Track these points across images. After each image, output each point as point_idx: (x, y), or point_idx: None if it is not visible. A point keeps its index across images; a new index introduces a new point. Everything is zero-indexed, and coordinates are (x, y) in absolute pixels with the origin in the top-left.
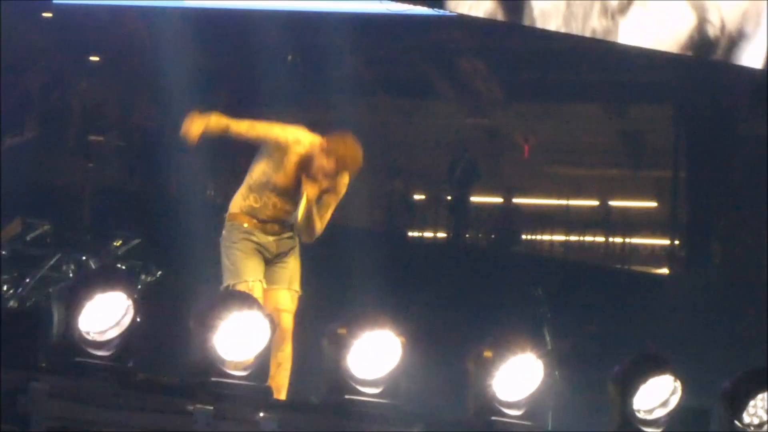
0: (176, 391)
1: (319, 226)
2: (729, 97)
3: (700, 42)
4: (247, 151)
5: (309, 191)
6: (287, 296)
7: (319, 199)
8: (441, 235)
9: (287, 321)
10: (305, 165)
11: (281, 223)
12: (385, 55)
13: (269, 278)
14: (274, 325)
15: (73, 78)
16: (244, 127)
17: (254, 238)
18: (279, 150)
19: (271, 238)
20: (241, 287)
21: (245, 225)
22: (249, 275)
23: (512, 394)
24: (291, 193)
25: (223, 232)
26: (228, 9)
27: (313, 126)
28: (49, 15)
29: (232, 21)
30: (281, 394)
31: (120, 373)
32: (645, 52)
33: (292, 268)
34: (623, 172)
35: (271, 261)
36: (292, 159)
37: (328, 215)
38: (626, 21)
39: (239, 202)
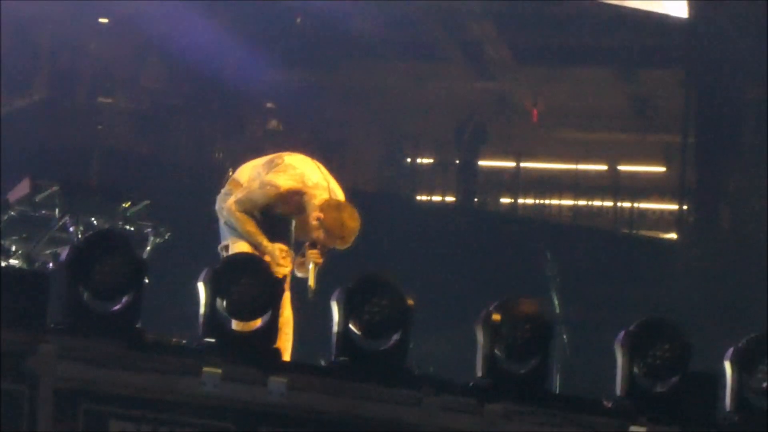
0: (184, 352)
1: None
2: (739, 62)
3: None
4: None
5: (315, 260)
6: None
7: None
8: (449, 198)
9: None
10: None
11: None
12: (393, 18)
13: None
14: (282, 287)
15: (82, 40)
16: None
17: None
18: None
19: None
20: (234, 247)
21: None
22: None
23: (520, 358)
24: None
25: (223, 191)
26: None
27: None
28: None
29: None
30: (284, 357)
31: (128, 334)
32: (655, 16)
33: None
34: (632, 136)
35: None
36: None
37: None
38: None
39: (245, 177)
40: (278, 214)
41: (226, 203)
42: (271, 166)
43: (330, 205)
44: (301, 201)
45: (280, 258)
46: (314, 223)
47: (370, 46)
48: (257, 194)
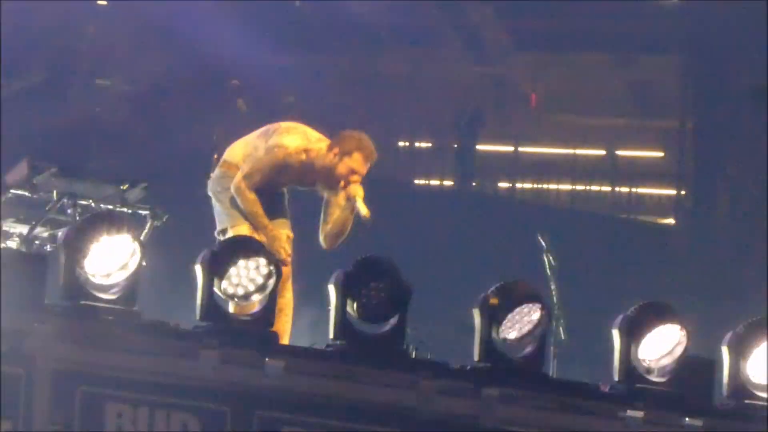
0: (182, 335)
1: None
2: (737, 47)
3: None
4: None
5: (356, 192)
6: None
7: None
8: (447, 183)
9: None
10: (304, 168)
11: None
12: (392, 2)
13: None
14: (281, 270)
15: (81, 22)
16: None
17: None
18: None
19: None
20: (233, 231)
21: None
22: (240, 220)
23: (517, 341)
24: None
25: (213, 175)
26: None
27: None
28: None
29: None
30: (284, 340)
31: (125, 316)
32: (653, 2)
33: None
34: (630, 121)
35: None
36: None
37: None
38: None
39: (239, 156)
40: (281, 185)
41: (234, 182)
42: (269, 134)
43: (341, 137)
44: (308, 159)
45: (285, 243)
46: (336, 159)
47: (368, 31)
48: (264, 161)
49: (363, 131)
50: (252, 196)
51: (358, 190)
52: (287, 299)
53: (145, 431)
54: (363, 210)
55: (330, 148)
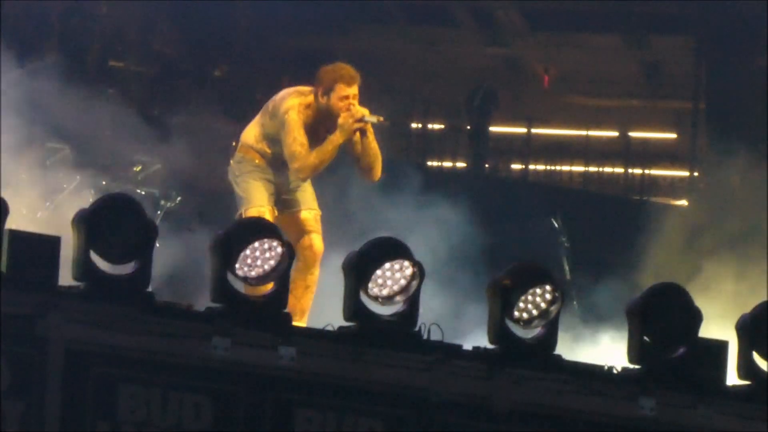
0: (195, 316)
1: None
2: (750, 29)
3: None
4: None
5: (360, 111)
6: (310, 216)
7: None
8: (460, 164)
9: (318, 243)
10: (316, 122)
11: None
12: None
13: (288, 204)
14: (293, 252)
15: (94, 3)
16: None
17: (265, 175)
18: None
19: (282, 178)
20: (251, 212)
21: (256, 161)
22: (258, 201)
23: (529, 323)
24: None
25: (233, 161)
26: None
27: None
28: None
29: None
30: (305, 317)
31: (139, 298)
32: None
33: (308, 191)
34: (643, 102)
35: (286, 192)
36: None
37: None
38: None
39: (251, 138)
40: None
41: (295, 165)
42: (267, 110)
43: (318, 77)
44: (312, 112)
45: (348, 116)
46: (326, 98)
47: (381, 11)
48: (289, 127)
49: (336, 61)
50: (311, 155)
51: (359, 110)
52: (315, 276)
53: (158, 413)
54: (372, 119)
55: (316, 93)
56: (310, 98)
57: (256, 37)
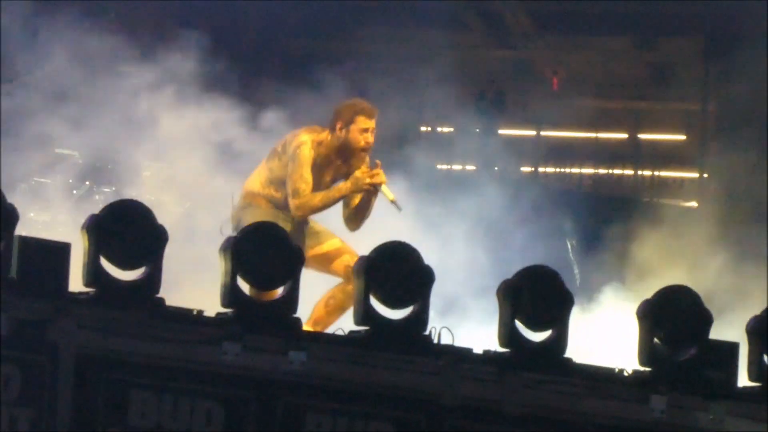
0: (205, 322)
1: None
2: (758, 30)
3: None
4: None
5: (380, 180)
6: (336, 240)
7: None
8: (469, 167)
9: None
10: (328, 159)
11: None
12: None
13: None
14: (303, 256)
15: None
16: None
17: (276, 217)
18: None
19: (289, 222)
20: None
21: (263, 207)
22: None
23: (540, 326)
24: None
25: (234, 211)
26: None
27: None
28: None
29: None
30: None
31: (149, 303)
32: None
33: (318, 227)
34: (652, 104)
35: (297, 236)
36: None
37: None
38: None
39: (257, 185)
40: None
41: (296, 201)
42: (276, 151)
43: (337, 112)
44: (325, 149)
45: (365, 174)
46: (345, 132)
47: (388, 12)
48: (298, 162)
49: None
50: (316, 197)
51: (380, 178)
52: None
53: (169, 419)
54: (389, 195)
55: (334, 127)
56: (323, 135)
57: (261, 36)
